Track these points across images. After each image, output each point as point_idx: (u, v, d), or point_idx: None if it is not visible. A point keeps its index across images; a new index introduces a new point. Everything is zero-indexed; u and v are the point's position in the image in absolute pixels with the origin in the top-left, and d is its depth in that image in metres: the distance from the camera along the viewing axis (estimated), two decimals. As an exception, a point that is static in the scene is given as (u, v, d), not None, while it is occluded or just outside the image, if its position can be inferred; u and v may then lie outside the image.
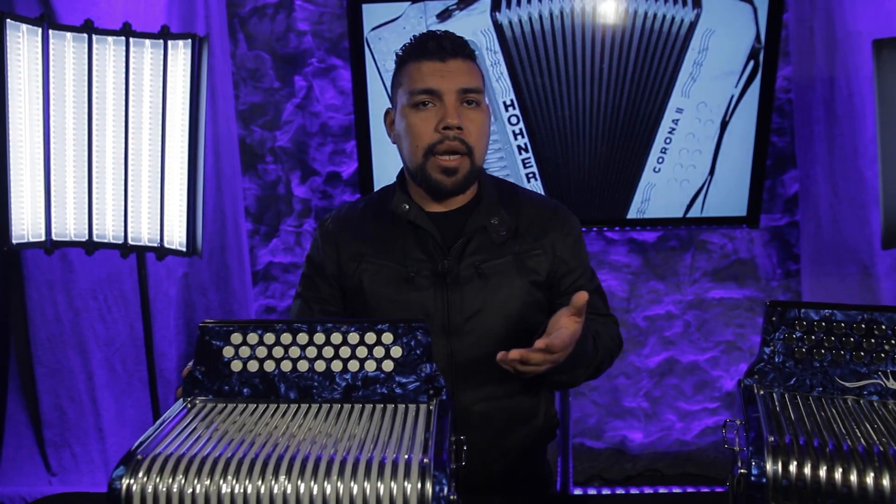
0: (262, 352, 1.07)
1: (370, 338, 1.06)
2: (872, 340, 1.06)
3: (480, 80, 1.39)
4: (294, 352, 1.06)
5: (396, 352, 1.06)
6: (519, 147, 2.36)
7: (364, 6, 2.30)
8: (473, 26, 2.27)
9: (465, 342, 1.39)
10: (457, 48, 1.36)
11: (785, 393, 1.07)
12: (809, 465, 0.90)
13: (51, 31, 2.02)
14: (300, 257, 2.77)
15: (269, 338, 1.06)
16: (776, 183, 2.63)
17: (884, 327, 1.05)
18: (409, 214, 1.41)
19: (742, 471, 0.92)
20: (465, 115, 1.35)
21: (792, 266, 2.68)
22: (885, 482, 0.87)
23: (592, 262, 1.57)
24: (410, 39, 1.42)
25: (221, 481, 0.86)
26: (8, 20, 1.95)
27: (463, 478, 1.41)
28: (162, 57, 2.06)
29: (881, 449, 0.91)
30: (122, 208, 2.12)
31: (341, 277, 1.46)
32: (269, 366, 1.07)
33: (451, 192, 1.40)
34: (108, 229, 2.14)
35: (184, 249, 2.13)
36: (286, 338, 1.07)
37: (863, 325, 1.06)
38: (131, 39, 2.05)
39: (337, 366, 1.06)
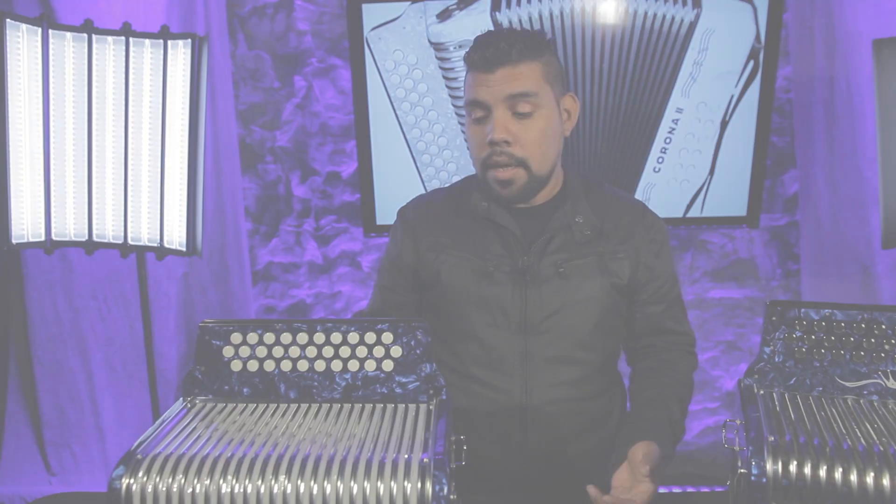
0: (262, 351, 1.07)
1: (370, 337, 1.06)
2: (872, 340, 1.06)
3: (536, 80, 1.30)
4: (294, 351, 1.06)
5: (396, 351, 1.06)
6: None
7: (364, 6, 2.30)
8: (473, 26, 2.27)
9: (541, 341, 1.37)
10: (503, 55, 1.27)
11: (785, 393, 1.07)
12: (809, 465, 0.90)
13: (50, 31, 2.01)
14: (300, 257, 2.77)
15: (269, 337, 1.06)
16: (776, 183, 2.63)
17: (884, 327, 1.05)
18: (488, 213, 1.39)
19: (742, 470, 0.92)
20: (517, 126, 1.30)
21: (792, 266, 2.68)
22: (885, 482, 0.87)
23: None
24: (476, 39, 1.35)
25: (221, 481, 0.86)
26: (8, 20, 1.95)
27: (522, 477, 1.40)
28: (162, 57, 2.06)
29: (881, 449, 0.91)
30: (122, 208, 2.12)
31: (419, 267, 1.44)
32: (269, 365, 1.07)
33: (512, 201, 1.37)
34: (107, 229, 2.14)
35: (184, 249, 2.13)
36: (286, 338, 1.06)
37: (863, 325, 1.06)
38: (131, 39, 2.05)
39: (337, 365, 1.06)
